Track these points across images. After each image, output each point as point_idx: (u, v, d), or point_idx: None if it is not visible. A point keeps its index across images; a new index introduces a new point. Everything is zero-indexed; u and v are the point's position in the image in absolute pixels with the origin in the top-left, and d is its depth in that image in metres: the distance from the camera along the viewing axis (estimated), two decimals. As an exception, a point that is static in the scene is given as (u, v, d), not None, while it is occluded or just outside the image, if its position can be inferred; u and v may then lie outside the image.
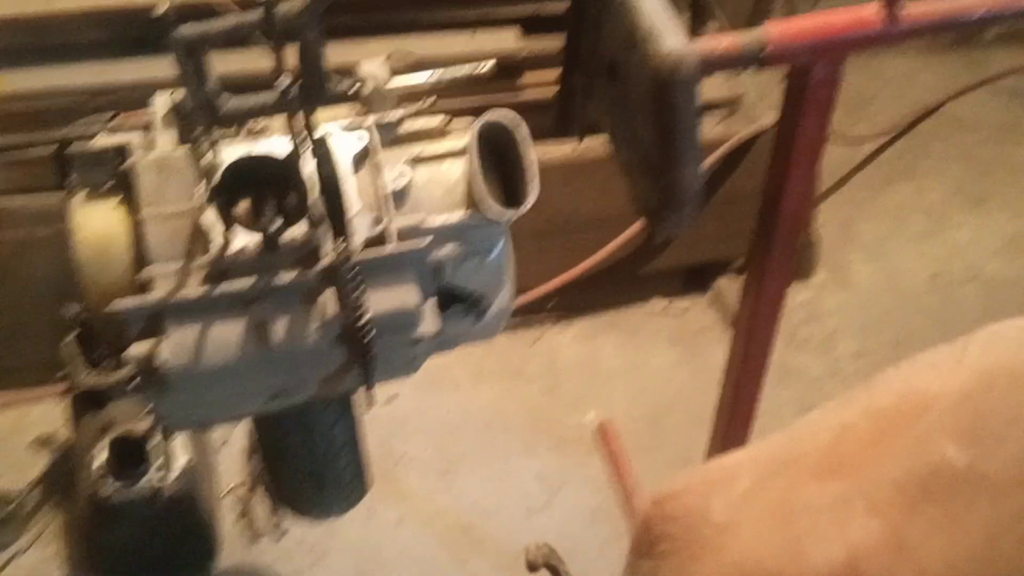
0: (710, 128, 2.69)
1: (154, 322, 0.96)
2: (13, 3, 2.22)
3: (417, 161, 1.02)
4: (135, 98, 2.26)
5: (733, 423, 1.51)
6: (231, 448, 2.41)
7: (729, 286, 2.86)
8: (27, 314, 2.46)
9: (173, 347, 0.94)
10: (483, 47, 2.51)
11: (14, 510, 2.22)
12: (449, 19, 2.54)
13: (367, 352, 0.98)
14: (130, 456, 1.94)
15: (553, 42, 2.62)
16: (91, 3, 2.24)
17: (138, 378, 0.97)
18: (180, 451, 1.95)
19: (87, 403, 2.12)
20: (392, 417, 2.49)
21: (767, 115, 2.69)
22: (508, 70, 2.58)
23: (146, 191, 0.98)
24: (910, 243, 3.13)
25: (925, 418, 0.38)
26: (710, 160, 2.68)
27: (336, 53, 1.09)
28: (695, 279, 2.93)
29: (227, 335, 0.96)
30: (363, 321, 0.97)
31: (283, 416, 1.21)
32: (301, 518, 1.39)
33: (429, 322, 1.03)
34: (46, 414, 2.50)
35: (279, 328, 0.97)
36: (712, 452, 1.61)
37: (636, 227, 2.70)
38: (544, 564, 1.78)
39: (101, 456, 1.92)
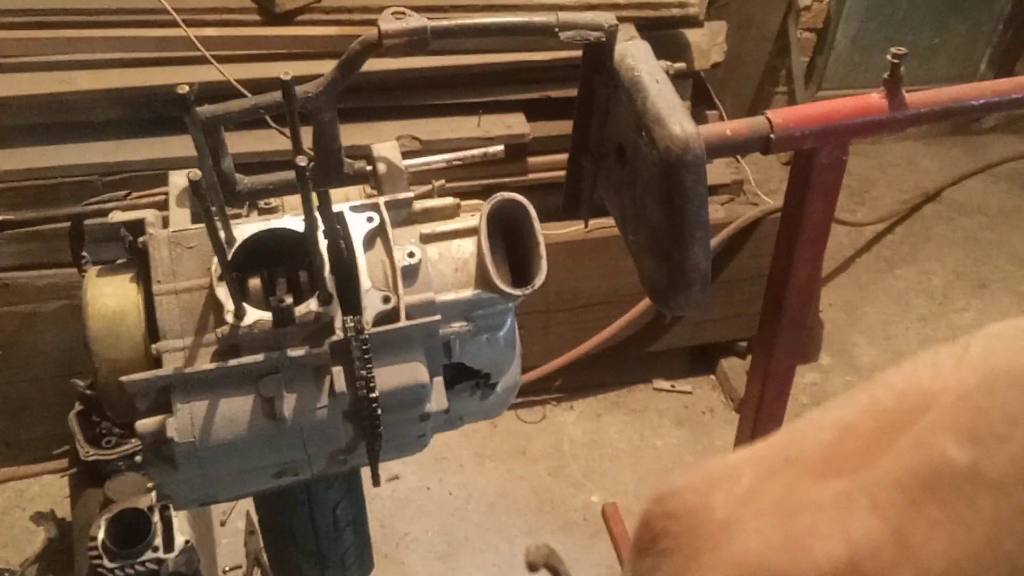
0: (714, 211, 2.72)
1: (164, 397, 0.96)
2: (30, 82, 2.27)
3: (428, 239, 1.03)
4: (147, 176, 2.31)
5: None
6: (230, 528, 2.39)
7: (734, 367, 2.86)
8: (32, 388, 2.46)
9: (182, 423, 0.94)
10: (490, 131, 2.56)
11: (10, 588, 2.18)
12: (456, 103, 2.59)
13: (375, 428, 0.98)
14: (131, 533, 1.91)
15: (557, 126, 2.67)
16: (107, 83, 2.29)
17: (145, 453, 0.97)
18: (180, 529, 1.93)
19: (87, 479, 2.10)
20: (394, 497, 2.47)
21: (769, 199, 2.73)
22: (514, 152, 2.63)
23: (160, 266, 0.99)
24: (914, 326, 3.14)
25: (926, 417, 0.37)
26: (714, 242, 2.71)
27: (346, 135, 1.12)
28: (700, 359, 2.94)
29: (236, 410, 0.96)
30: (372, 397, 0.97)
31: (286, 494, 1.20)
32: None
33: (437, 399, 1.03)
34: (46, 489, 2.49)
35: (288, 403, 0.96)
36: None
37: (641, 307, 2.71)
38: (544, 564, 1.74)
39: (100, 533, 1.89)
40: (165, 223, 1.06)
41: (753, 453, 0.44)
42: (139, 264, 1.02)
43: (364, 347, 0.97)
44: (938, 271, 3.34)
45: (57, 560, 2.29)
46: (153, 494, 1.98)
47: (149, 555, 1.89)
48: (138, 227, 1.03)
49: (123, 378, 0.94)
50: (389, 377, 0.99)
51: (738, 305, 2.80)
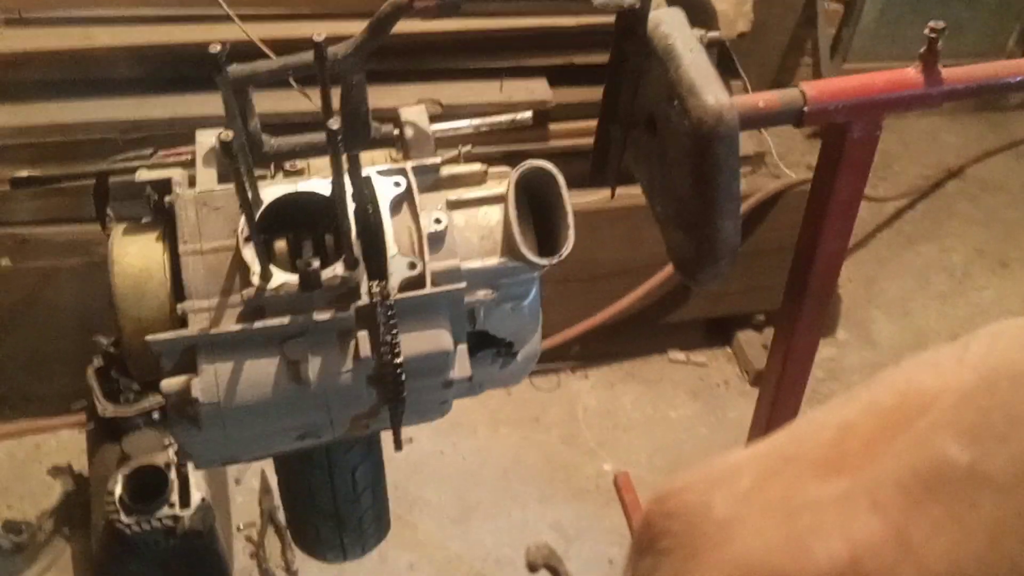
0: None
1: (188, 357, 0.96)
2: (53, 37, 2.26)
3: (455, 205, 1.03)
4: (169, 134, 2.30)
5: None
6: (245, 486, 2.41)
7: (750, 340, 2.85)
8: (50, 343, 2.47)
9: (206, 383, 0.94)
10: (512, 96, 2.53)
11: (28, 538, 2.21)
12: (479, 67, 2.57)
13: (399, 394, 0.98)
14: (147, 489, 1.93)
15: (581, 93, 2.65)
16: (129, 40, 2.28)
17: (168, 412, 0.97)
18: (197, 486, 1.95)
19: (105, 435, 2.12)
20: (408, 461, 2.48)
21: (791, 171, 2.70)
22: (536, 119, 2.61)
23: (186, 226, 0.98)
24: (933, 303, 3.12)
25: (927, 416, 0.37)
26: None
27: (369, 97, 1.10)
28: (715, 332, 2.93)
29: (261, 372, 0.96)
30: (396, 363, 0.96)
31: (306, 456, 1.21)
32: (317, 559, 1.38)
33: (461, 366, 1.02)
34: (63, 443, 2.51)
35: (313, 367, 0.96)
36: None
37: (660, 277, 2.70)
38: (544, 564, 1.76)
39: (118, 488, 1.91)
40: (191, 182, 1.06)
41: (754, 452, 0.44)
42: (165, 224, 1.02)
43: (390, 312, 0.97)
44: (959, 248, 3.31)
45: (74, 514, 2.31)
46: (170, 451, 1.99)
47: (165, 511, 1.90)
48: (164, 186, 1.03)
49: (148, 337, 0.94)
50: (414, 343, 0.98)
51: (756, 277, 2.78)
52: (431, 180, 1.04)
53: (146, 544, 1.89)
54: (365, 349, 0.97)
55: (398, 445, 1.06)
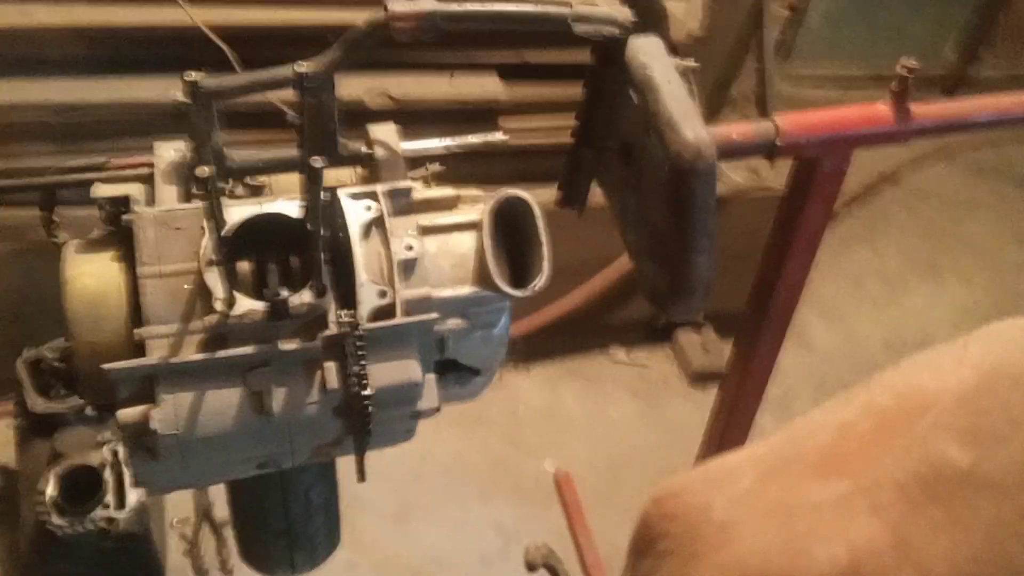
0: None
1: (147, 385, 0.92)
2: (-12, 13, 2.15)
3: (427, 231, 1.00)
4: (106, 120, 2.22)
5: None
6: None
7: (690, 340, 2.88)
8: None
9: (166, 415, 0.91)
10: (463, 91, 2.50)
11: (-51, 535, 2.12)
12: (430, 60, 2.53)
13: (366, 425, 0.96)
14: (81, 488, 1.87)
15: (533, 91, 2.63)
16: (69, 19, 2.19)
17: (125, 442, 0.93)
18: (132, 486, 1.89)
19: (35, 430, 2.04)
20: (348, 458, 2.44)
21: (733, 174, 2.72)
22: (486, 115, 2.58)
23: (146, 248, 0.94)
24: (866, 307, 3.18)
25: (926, 417, 0.38)
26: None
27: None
28: (656, 331, 2.94)
29: (223, 403, 0.92)
30: (365, 394, 0.94)
31: (260, 478, 1.17)
32: (264, 572, 1.35)
33: (429, 397, 1.01)
34: (-12, 436, 2.41)
35: (277, 398, 0.93)
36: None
37: (603, 277, 2.71)
38: (543, 564, 1.76)
39: (50, 488, 1.84)
40: (149, 199, 1.01)
41: (752, 454, 0.44)
42: (122, 243, 0.97)
43: (359, 343, 0.94)
44: (892, 254, 3.38)
45: (1, 509, 2.23)
46: (105, 449, 1.93)
47: (100, 512, 1.84)
48: (122, 203, 0.98)
49: (106, 366, 0.90)
50: (383, 374, 0.96)
51: (699, 279, 2.80)
52: (403, 204, 1.02)
53: (79, 546, 1.83)
54: (332, 380, 0.94)
55: (361, 476, 1.03)
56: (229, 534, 2.24)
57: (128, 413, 0.91)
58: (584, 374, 2.84)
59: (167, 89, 2.10)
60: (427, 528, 2.38)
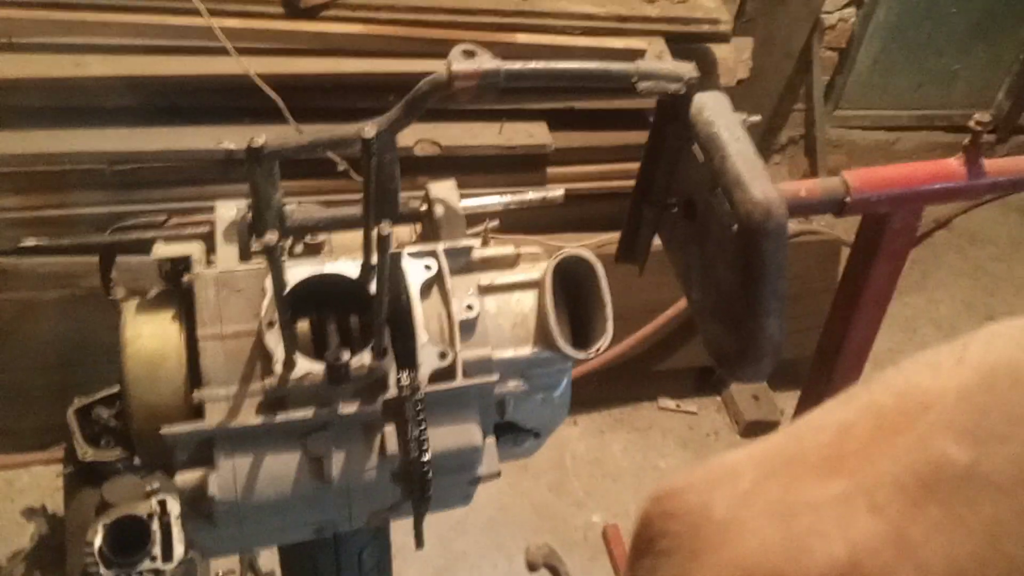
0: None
1: (204, 449, 0.90)
2: (43, 64, 2.19)
3: (487, 291, 0.98)
4: (158, 167, 2.24)
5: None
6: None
7: (740, 390, 2.83)
8: (27, 377, 2.40)
9: (224, 480, 0.89)
10: (512, 140, 2.50)
11: (-2, 581, 2.12)
12: (477, 107, 2.53)
13: (425, 491, 0.93)
14: (128, 539, 1.86)
15: (580, 137, 2.62)
16: (122, 69, 2.22)
17: (182, 508, 0.91)
18: (179, 539, 1.88)
19: (83, 478, 2.05)
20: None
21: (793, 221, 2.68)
22: (534, 162, 2.58)
23: (206, 309, 0.93)
24: (921, 355, 3.11)
25: (926, 417, 0.37)
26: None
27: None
28: (706, 380, 2.90)
29: (281, 468, 0.91)
30: (424, 460, 0.92)
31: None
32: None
33: (489, 463, 0.98)
34: (37, 481, 2.42)
35: (336, 462, 0.91)
36: None
37: (652, 325, 2.67)
38: (544, 564, 1.71)
39: (98, 539, 1.84)
40: (208, 258, 1.00)
41: (752, 453, 0.44)
42: (181, 303, 0.96)
43: (419, 407, 0.92)
44: (946, 300, 3.31)
45: (47, 557, 2.23)
46: (153, 500, 1.92)
47: (147, 564, 1.83)
48: (182, 263, 0.97)
49: (164, 430, 0.88)
50: (443, 438, 0.94)
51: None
52: (462, 262, 1.00)
53: (125, 598, 1.82)
54: (392, 445, 0.92)
55: (419, 543, 1.00)
56: (274, 585, 2.22)
57: (186, 478, 0.89)
58: (632, 424, 2.80)
59: (219, 138, 2.12)
60: (473, 581, 2.35)
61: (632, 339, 2.65)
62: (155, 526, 1.87)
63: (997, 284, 3.38)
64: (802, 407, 1.27)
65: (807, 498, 0.38)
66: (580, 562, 2.41)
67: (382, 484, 0.94)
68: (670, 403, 2.85)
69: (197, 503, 0.90)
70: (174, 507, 1.91)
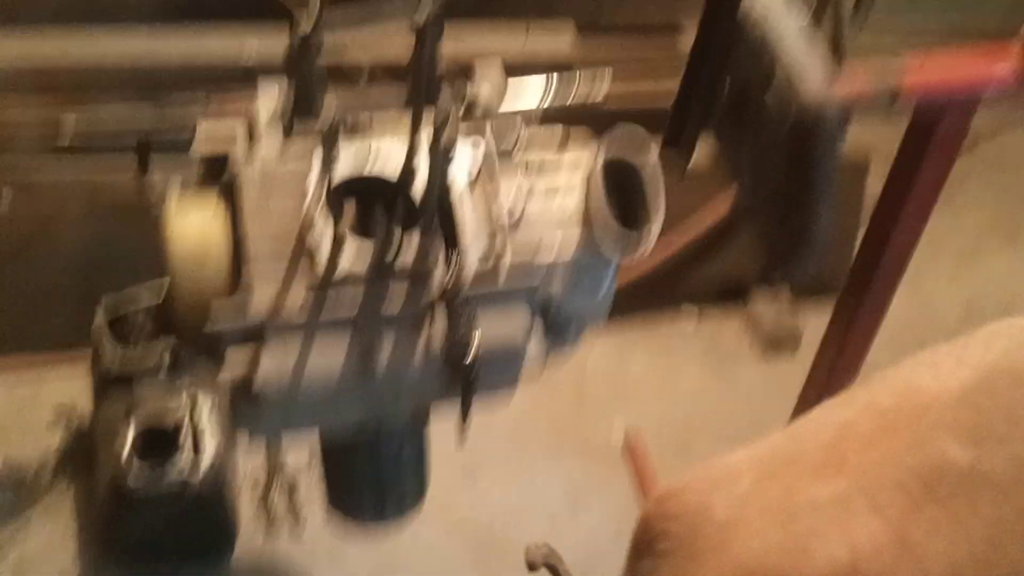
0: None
1: (251, 338, 0.90)
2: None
3: (534, 189, 0.97)
4: (182, 71, 2.20)
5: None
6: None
7: (764, 304, 2.81)
8: (52, 283, 2.40)
9: (270, 371, 0.89)
10: (536, 47, 2.44)
11: (27, 481, 2.15)
12: (505, 8, 2.46)
13: (471, 383, 0.93)
14: (157, 446, 1.88)
15: (608, 46, 2.56)
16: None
17: (230, 395, 0.92)
18: (210, 442, 1.90)
19: (112, 382, 2.06)
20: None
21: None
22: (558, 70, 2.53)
23: (249, 202, 0.92)
24: (945, 273, 3.09)
25: (926, 417, 0.37)
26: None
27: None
28: (729, 294, 2.88)
29: (328, 359, 0.90)
30: (470, 355, 0.91)
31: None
32: (354, 524, 1.34)
33: (534, 355, 0.98)
34: (64, 387, 2.44)
35: (382, 357, 0.91)
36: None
37: (677, 239, 2.66)
38: (544, 564, 1.75)
39: (126, 448, 1.85)
40: (250, 142, 0.98)
41: (753, 453, 0.44)
42: (225, 197, 0.95)
43: (465, 303, 0.91)
44: (972, 219, 3.27)
45: (75, 458, 2.25)
46: (180, 407, 1.94)
47: (175, 472, 1.85)
48: (222, 159, 0.95)
49: (211, 323, 0.88)
50: (488, 334, 0.93)
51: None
52: (509, 161, 0.98)
53: (154, 504, 1.85)
54: (438, 339, 0.92)
55: (463, 437, 1.01)
56: (301, 488, 2.26)
57: (232, 366, 0.89)
58: (654, 337, 2.79)
59: (241, 39, 2.05)
60: (496, 486, 2.37)
61: (656, 252, 2.64)
62: (185, 428, 1.89)
63: (1022, 205, 3.34)
64: (839, 314, 1.26)
65: (807, 498, 0.38)
66: (601, 471, 2.44)
67: (427, 379, 0.94)
68: (693, 317, 2.84)
69: (244, 391, 0.90)
70: (204, 410, 1.92)
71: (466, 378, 0.92)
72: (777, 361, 2.72)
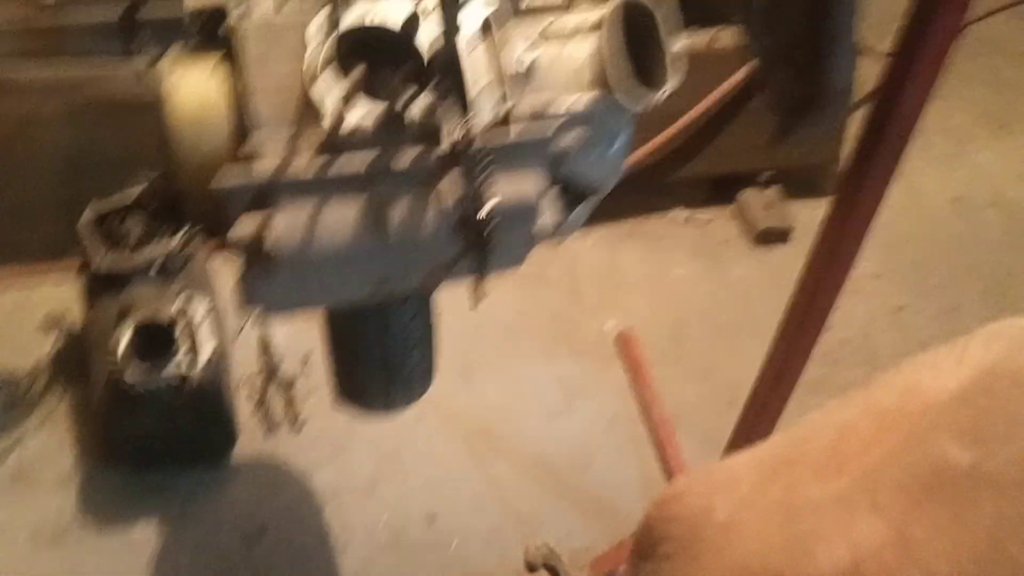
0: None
1: (258, 201, 0.88)
2: None
3: (544, 36, 0.94)
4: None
5: (802, 334, 1.46)
6: (244, 341, 2.34)
7: (754, 198, 2.81)
8: (34, 190, 2.35)
9: (283, 230, 0.87)
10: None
11: (21, 391, 2.14)
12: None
13: (486, 243, 0.91)
14: (153, 344, 1.86)
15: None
16: None
17: (241, 259, 0.89)
18: (206, 341, 1.88)
19: (102, 286, 2.03)
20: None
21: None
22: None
23: (249, 58, 0.88)
24: (933, 164, 3.08)
25: (926, 417, 0.37)
26: (745, 71, 2.60)
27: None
28: (719, 190, 2.87)
29: (341, 217, 0.88)
30: (485, 210, 0.89)
31: (359, 311, 1.14)
32: (359, 411, 1.33)
33: (549, 214, 0.96)
34: (51, 294, 2.41)
35: (396, 212, 0.89)
36: (773, 360, 1.56)
37: (665, 134, 2.63)
38: (544, 564, 1.77)
39: (124, 340, 1.84)
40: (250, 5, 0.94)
41: (754, 455, 0.44)
42: (223, 54, 0.91)
43: (476, 156, 0.89)
44: (960, 109, 3.26)
45: (68, 367, 2.24)
46: (176, 303, 1.92)
47: (173, 368, 1.84)
48: (217, 14, 0.92)
49: (218, 181, 0.85)
50: (502, 189, 0.91)
51: (760, 135, 2.71)
52: (517, 6, 0.95)
53: (152, 402, 1.84)
54: (450, 195, 0.90)
55: (477, 300, 0.99)
56: (298, 389, 2.26)
57: (245, 228, 0.87)
58: (644, 234, 2.79)
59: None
60: (491, 383, 2.38)
61: (646, 148, 2.61)
62: (181, 326, 1.87)
63: (1012, 91, 3.32)
64: (839, 204, 1.25)
65: (808, 499, 0.38)
66: (594, 366, 2.45)
67: (441, 236, 0.92)
68: (683, 213, 2.83)
69: (255, 254, 0.88)
70: (199, 311, 1.90)
71: (480, 234, 0.90)
72: (767, 253, 2.73)
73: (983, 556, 0.32)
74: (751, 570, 0.38)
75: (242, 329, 2.36)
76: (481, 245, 0.92)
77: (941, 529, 0.33)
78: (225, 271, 2.25)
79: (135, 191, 1.99)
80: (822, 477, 0.39)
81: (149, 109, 2.09)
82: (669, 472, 2.18)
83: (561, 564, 1.74)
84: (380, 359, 1.20)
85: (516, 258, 1.01)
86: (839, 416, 0.42)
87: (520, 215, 0.93)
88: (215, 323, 1.95)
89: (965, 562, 0.33)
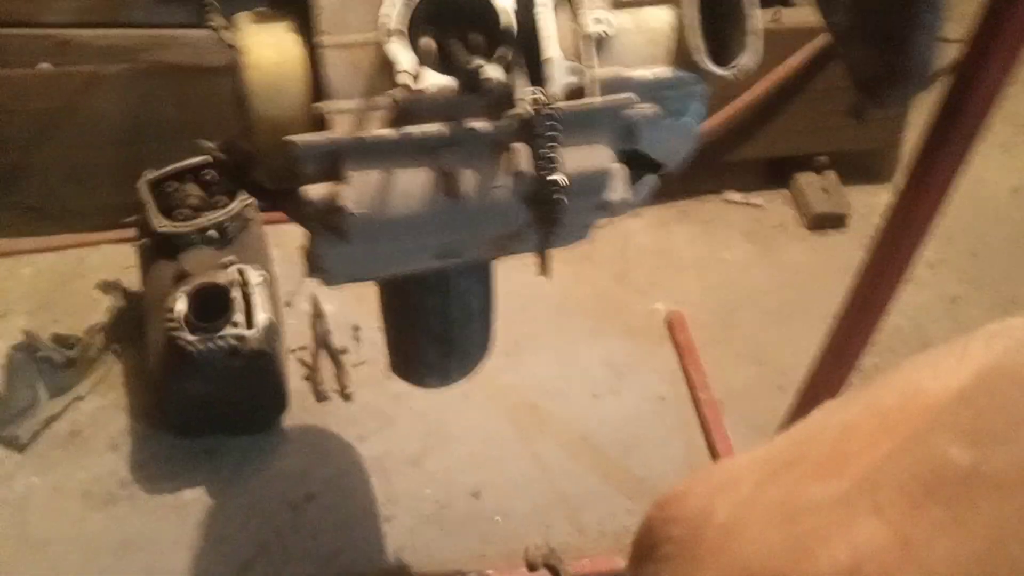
0: (805, 16, 2.56)
1: (330, 164, 0.88)
2: None
3: (620, 4, 0.92)
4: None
5: (861, 321, 1.44)
6: (296, 310, 2.36)
7: (809, 182, 2.77)
8: (92, 154, 2.38)
9: (356, 193, 0.86)
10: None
11: (76, 354, 2.17)
12: None
13: (554, 213, 0.90)
14: (209, 308, 1.88)
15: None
16: None
17: (311, 222, 0.89)
18: (261, 306, 1.90)
19: (159, 251, 2.06)
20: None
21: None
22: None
23: (325, 16, 0.88)
24: (994, 153, 3.02)
25: (926, 417, 0.37)
26: (806, 52, 2.56)
27: None
28: (774, 173, 2.84)
29: (412, 183, 0.88)
30: (555, 179, 0.88)
31: (421, 280, 1.14)
32: (417, 384, 1.34)
33: (620, 187, 0.95)
34: (107, 258, 2.44)
35: (466, 180, 0.88)
36: (831, 347, 1.54)
37: (722, 115, 2.60)
38: (544, 564, 1.77)
39: (181, 306, 1.86)
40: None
41: (755, 457, 0.44)
42: (299, 12, 0.91)
43: (550, 123, 0.88)
44: (1022, 95, 3.18)
45: (124, 330, 2.27)
46: (232, 269, 1.93)
47: (230, 330, 1.86)
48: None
49: (296, 138, 0.85)
50: (573, 159, 0.90)
51: (820, 118, 2.67)
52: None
53: (208, 364, 1.86)
54: (521, 162, 0.89)
55: (545, 269, 0.99)
56: (347, 361, 2.27)
57: (317, 190, 0.87)
58: (697, 216, 2.76)
59: None
60: (538, 362, 2.38)
61: (703, 128, 2.58)
62: (235, 295, 1.89)
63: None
64: (924, 149, 1.22)
65: (809, 500, 0.38)
66: (643, 347, 2.43)
67: (511, 205, 0.91)
68: (736, 195, 2.80)
69: (327, 217, 0.88)
70: (254, 276, 1.92)
71: (549, 203, 0.89)
72: (822, 239, 2.69)
73: (984, 557, 0.32)
74: (751, 571, 0.38)
75: (295, 297, 2.38)
76: (550, 214, 0.91)
77: (941, 530, 0.33)
78: (279, 239, 2.27)
79: (194, 160, 2.02)
80: (823, 478, 0.39)
81: (210, 75, 2.11)
82: (715, 455, 2.16)
83: (561, 564, 1.75)
84: (440, 330, 1.20)
85: (581, 231, 1.00)
86: (840, 416, 0.42)
87: (591, 185, 0.92)
88: (269, 290, 1.96)
89: (966, 563, 0.33)
